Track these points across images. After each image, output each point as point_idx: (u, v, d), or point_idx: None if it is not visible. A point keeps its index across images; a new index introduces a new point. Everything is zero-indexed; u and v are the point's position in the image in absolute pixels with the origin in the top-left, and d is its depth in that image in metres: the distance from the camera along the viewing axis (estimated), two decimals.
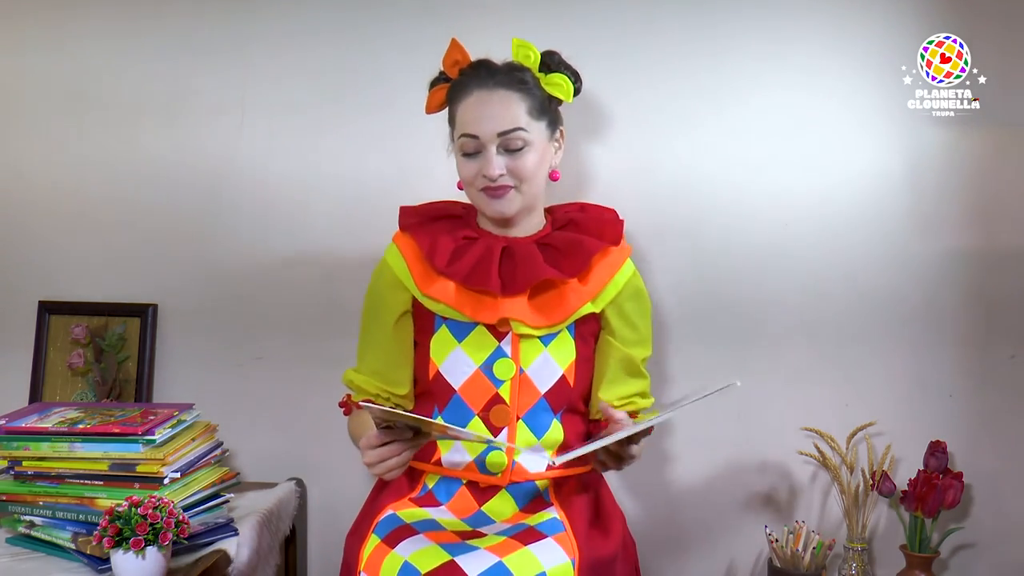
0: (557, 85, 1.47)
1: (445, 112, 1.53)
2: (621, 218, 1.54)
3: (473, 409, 1.43)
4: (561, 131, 1.51)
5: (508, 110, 1.42)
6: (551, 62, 1.49)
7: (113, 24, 1.92)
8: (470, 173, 1.44)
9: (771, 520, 1.85)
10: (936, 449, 1.73)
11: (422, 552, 1.26)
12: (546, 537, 1.31)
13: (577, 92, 1.50)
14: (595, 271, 1.47)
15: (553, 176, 1.51)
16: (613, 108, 1.82)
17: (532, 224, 1.51)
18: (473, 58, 1.48)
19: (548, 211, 1.55)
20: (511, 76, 1.44)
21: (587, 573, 1.29)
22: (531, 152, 1.43)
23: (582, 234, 1.50)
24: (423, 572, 1.23)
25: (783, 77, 1.80)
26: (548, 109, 1.47)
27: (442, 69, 1.51)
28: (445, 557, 1.24)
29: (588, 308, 1.46)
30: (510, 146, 1.42)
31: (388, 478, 1.30)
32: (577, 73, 1.50)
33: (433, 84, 1.53)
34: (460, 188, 1.51)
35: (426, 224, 1.52)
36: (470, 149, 1.43)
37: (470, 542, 1.30)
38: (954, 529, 1.78)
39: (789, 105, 1.80)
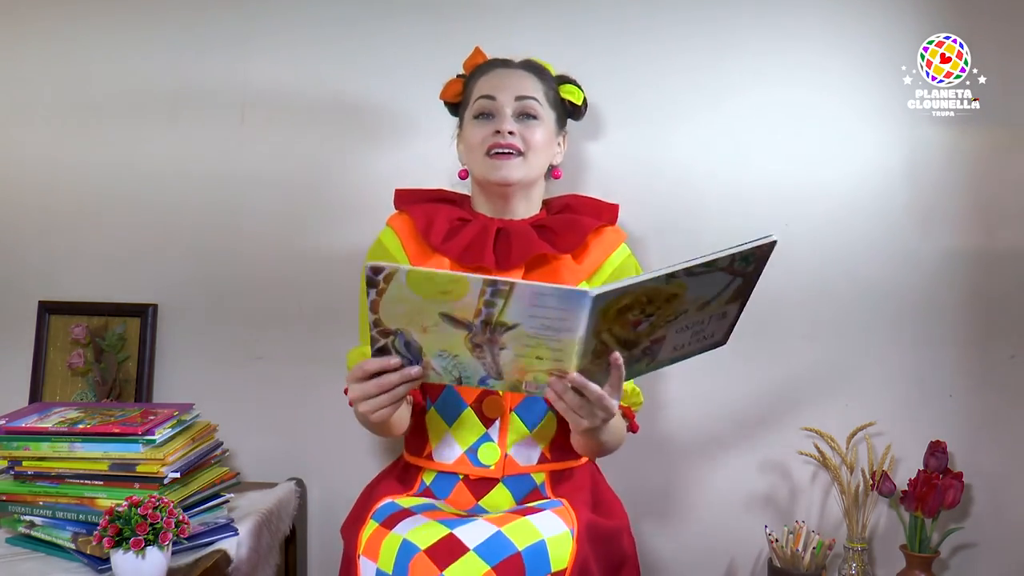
0: (570, 91, 1.57)
1: (444, 115, 1.58)
2: (616, 203, 1.58)
3: (466, 400, 1.44)
4: (565, 135, 1.58)
5: (526, 82, 1.51)
6: (564, 78, 1.58)
7: (113, 23, 1.92)
8: (479, 136, 1.48)
9: (771, 520, 1.85)
10: (936, 449, 1.73)
11: (420, 528, 1.25)
12: (545, 510, 1.31)
13: (583, 112, 1.59)
14: (590, 250, 1.50)
15: (555, 174, 1.58)
16: (612, 106, 1.82)
17: (528, 208, 1.54)
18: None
19: (544, 203, 1.59)
20: (530, 64, 1.55)
21: (585, 542, 1.27)
22: (541, 127, 1.50)
23: (578, 215, 1.54)
24: (422, 548, 1.22)
25: (783, 76, 1.80)
26: (558, 106, 1.55)
27: (461, 72, 1.59)
28: (444, 531, 1.24)
29: (583, 287, 1.44)
30: (525, 111, 1.48)
31: (376, 418, 1.20)
32: (582, 90, 1.58)
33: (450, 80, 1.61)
34: (462, 177, 1.57)
35: (422, 203, 1.55)
36: (485, 109, 1.49)
37: (468, 517, 1.30)
38: (954, 529, 1.78)
39: (789, 104, 1.80)
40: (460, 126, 1.58)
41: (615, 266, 1.51)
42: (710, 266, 1.09)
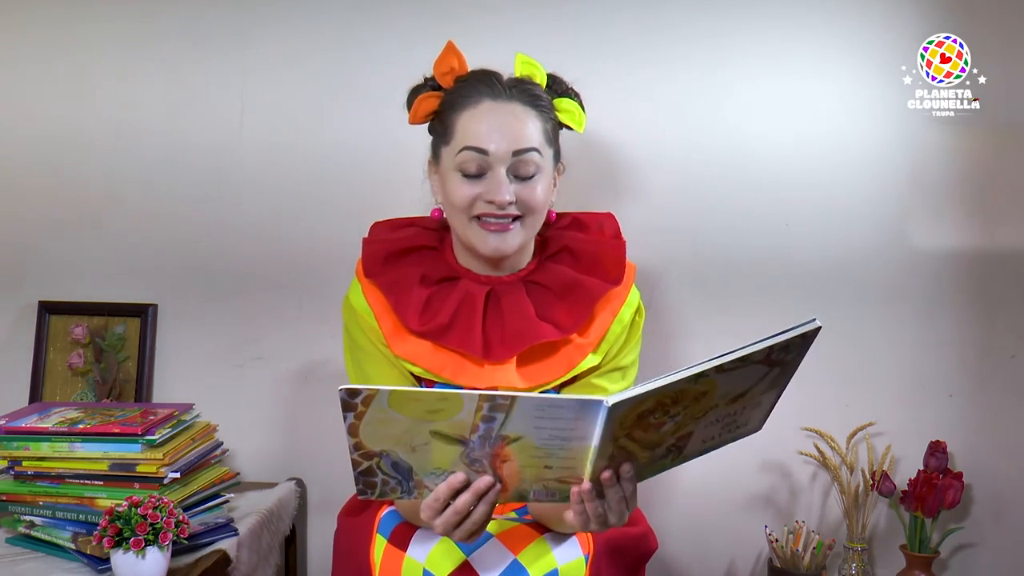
0: (568, 112, 1.32)
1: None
2: (622, 238, 1.38)
3: None
4: (561, 165, 1.36)
5: (525, 126, 1.25)
6: (558, 87, 1.35)
7: (112, 22, 1.91)
8: (467, 197, 1.24)
9: (771, 520, 1.85)
10: (936, 449, 1.73)
11: (435, 553, 1.20)
12: None
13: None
14: (597, 317, 1.30)
15: (548, 216, 1.35)
16: (609, 106, 1.81)
17: (521, 259, 1.34)
18: (471, 66, 1.32)
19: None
20: (525, 90, 1.28)
21: (602, 562, 1.22)
22: (541, 181, 1.26)
23: (580, 271, 1.32)
24: None
25: (782, 76, 1.80)
26: (556, 137, 1.32)
27: (430, 76, 1.33)
28: (459, 556, 1.19)
29: (590, 362, 1.30)
30: (521, 170, 1.24)
31: (474, 540, 1.08)
32: (582, 103, 1.37)
33: (416, 92, 1.34)
34: (435, 217, 1.35)
35: (393, 266, 1.32)
36: (472, 169, 1.24)
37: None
38: (954, 529, 1.78)
39: (788, 104, 1.80)
40: (434, 154, 1.32)
41: (624, 324, 1.32)
42: (744, 361, 0.96)
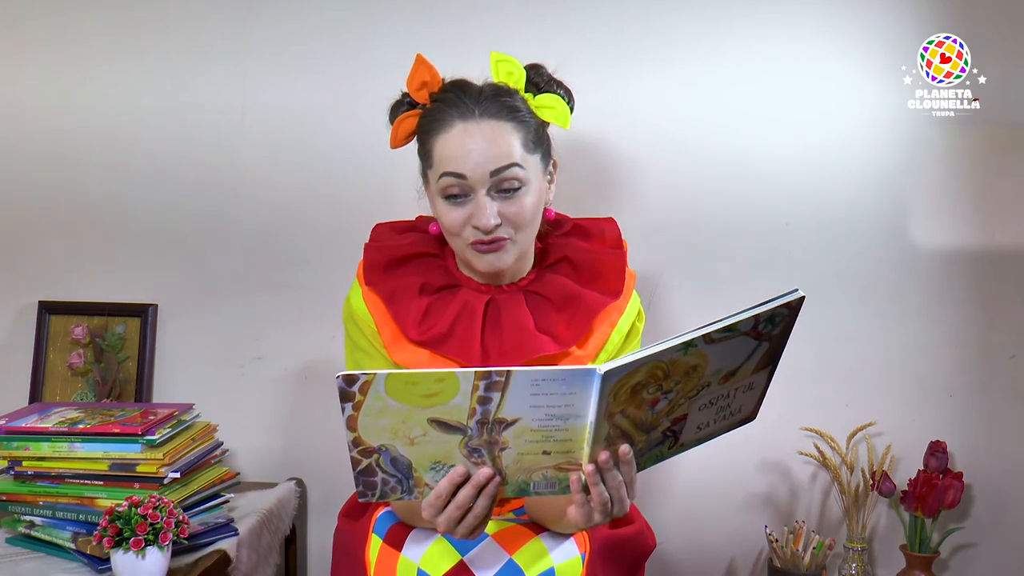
0: (550, 108, 1.28)
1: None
2: (624, 244, 1.37)
3: None
4: (554, 162, 1.33)
5: (500, 143, 1.22)
6: (539, 80, 1.31)
7: (112, 24, 1.92)
8: (456, 221, 1.24)
9: (771, 520, 1.85)
10: (936, 449, 1.73)
11: (430, 553, 1.20)
12: None
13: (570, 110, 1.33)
14: (595, 329, 1.30)
15: (547, 215, 1.34)
16: (606, 107, 1.82)
17: (521, 267, 1.34)
18: (445, 76, 1.30)
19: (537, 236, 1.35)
20: (499, 102, 1.24)
21: (597, 562, 1.22)
22: (528, 193, 1.24)
23: (579, 282, 1.32)
24: None
25: (781, 77, 1.80)
26: (542, 138, 1.29)
27: (405, 91, 1.32)
28: (454, 557, 1.20)
29: (590, 364, 1.27)
30: (504, 187, 1.22)
31: (477, 535, 1.08)
32: (569, 90, 1.33)
33: (396, 111, 1.33)
34: (434, 232, 1.34)
35: (393, 274, 1.32)
36: (455, 191, 1.23)
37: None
38: (954, 529, 1.78)
39: (788, 105, 1.80)
40: (423, 175, 1.31)
41: (622, 334, 1.32)
42: (731, 330, 0.99)
